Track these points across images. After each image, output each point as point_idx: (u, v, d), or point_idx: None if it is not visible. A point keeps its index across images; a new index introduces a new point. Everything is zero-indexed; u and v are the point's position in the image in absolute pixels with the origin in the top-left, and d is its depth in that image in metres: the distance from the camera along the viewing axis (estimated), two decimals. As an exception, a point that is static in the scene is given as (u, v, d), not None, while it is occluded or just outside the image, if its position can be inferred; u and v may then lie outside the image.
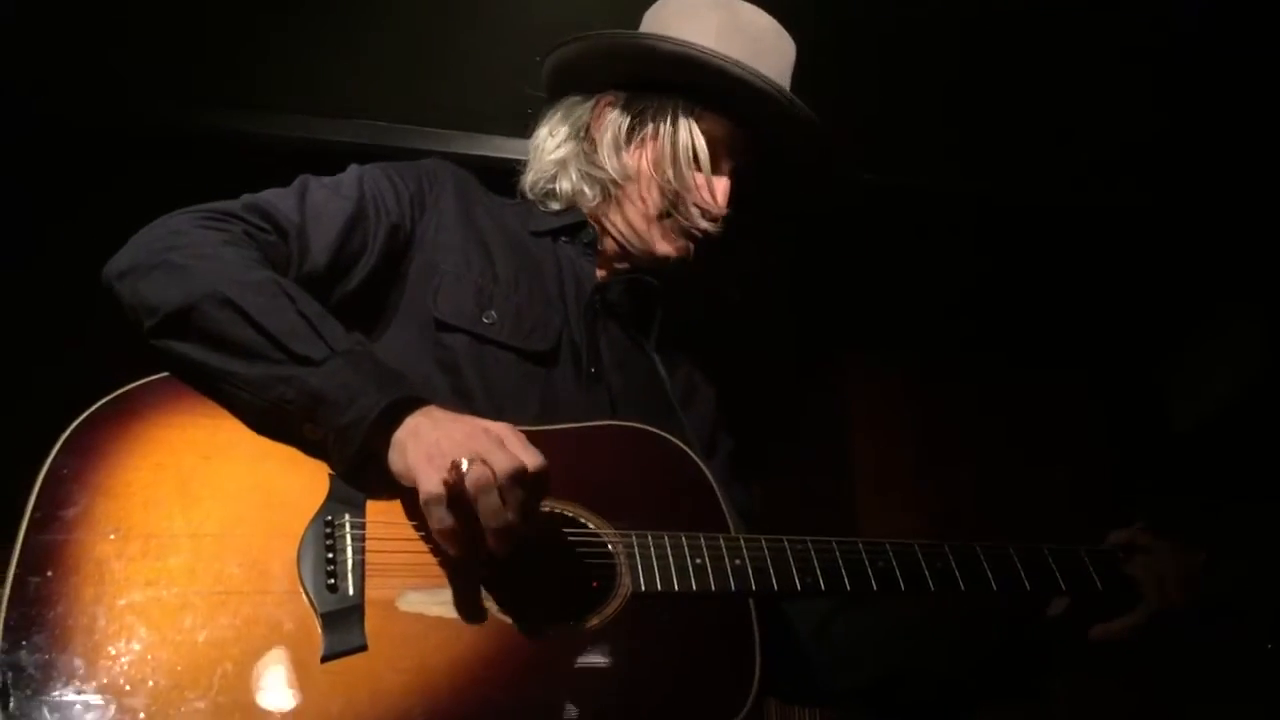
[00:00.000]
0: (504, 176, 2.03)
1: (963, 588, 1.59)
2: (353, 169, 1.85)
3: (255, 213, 1.65)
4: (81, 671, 1.17)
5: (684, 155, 1.85)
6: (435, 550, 1.37)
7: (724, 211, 1.87)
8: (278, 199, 1.71)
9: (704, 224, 1.86)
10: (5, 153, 2.65)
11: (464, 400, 1.62)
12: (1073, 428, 3.57)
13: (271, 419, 1.43)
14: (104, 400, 1.42)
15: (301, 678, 1.23)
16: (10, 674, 1.15)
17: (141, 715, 1.16)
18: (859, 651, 1.77)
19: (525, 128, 2.04)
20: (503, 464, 1.31)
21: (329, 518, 1.37)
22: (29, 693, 1.15)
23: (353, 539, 1.36)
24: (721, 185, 1.88)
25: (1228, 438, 3.35)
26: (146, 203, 1.63)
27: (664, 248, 1.88)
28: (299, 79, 2.64)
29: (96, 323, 1.60)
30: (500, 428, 1.39)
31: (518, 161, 2.04)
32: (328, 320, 1.50)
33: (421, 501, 1.33)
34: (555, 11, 2.56)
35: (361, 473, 1.41)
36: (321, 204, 1.73)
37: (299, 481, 1.40)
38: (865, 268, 3.22)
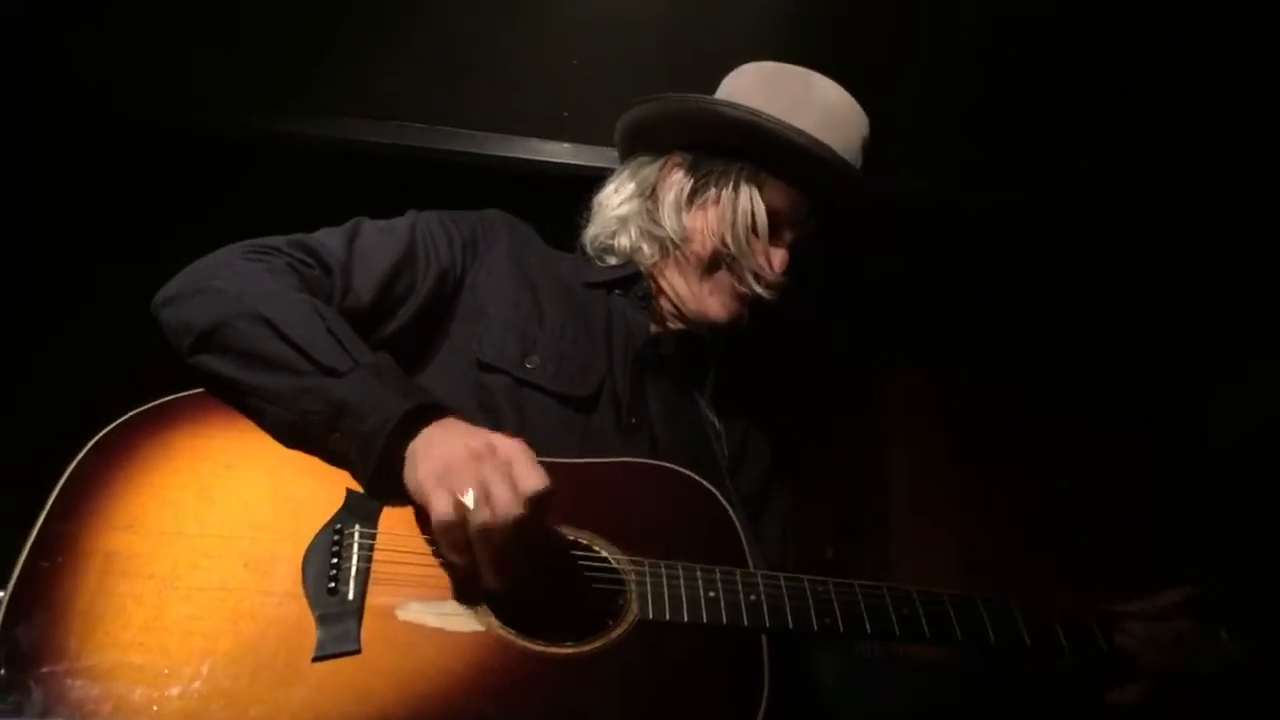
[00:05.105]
0: (536, 179, 2.03)
1: (993, 640, 1.51)
2: (409, 214, 1.89)
3: (300, 248, 1.69)
4: (72, 651, 1.17)
5: (743, 221, 1.86)
6: (444, 565, 1.36)
7: (780, 279, 1.87)
8: (326, 237, 1.75)
9: (759, 289, 1.86)
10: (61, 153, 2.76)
11: None
12: (1113, 446, 3.43)
13: (298, 433, 1.45)
14: (139, 409, 1.46)
15: (290, 675, 1.21)
16: (5, 649, 1.17)
17: (123, 696, 1.16)
18: (885, 700, 1.70)
19: (560, 131, 2.05)
20: (503, 509, 1.30)
21: (339, 526, 1.38)
22: (20, 669, 1.15)
23: (360, 547, 1.36)
24: (779, 252, 1.89)
25: (1268, 460, 3.19)
26: (183, 198, 1.68)
27: (717, 311, 1.89)
28: (337, 81, 2.67)
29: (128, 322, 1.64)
30: (510, 446, 1.37)
31: (551, 165, 2.05)
32: (356, 340, 1.52)
33: (433, 523, 1.33)
34: (593, 16, 2.57)
35: (381, 484, 1.41)
36: (371, 245, 1.76)
37: (317, 493, 1.41)
38: (904, 283, 3.13)
